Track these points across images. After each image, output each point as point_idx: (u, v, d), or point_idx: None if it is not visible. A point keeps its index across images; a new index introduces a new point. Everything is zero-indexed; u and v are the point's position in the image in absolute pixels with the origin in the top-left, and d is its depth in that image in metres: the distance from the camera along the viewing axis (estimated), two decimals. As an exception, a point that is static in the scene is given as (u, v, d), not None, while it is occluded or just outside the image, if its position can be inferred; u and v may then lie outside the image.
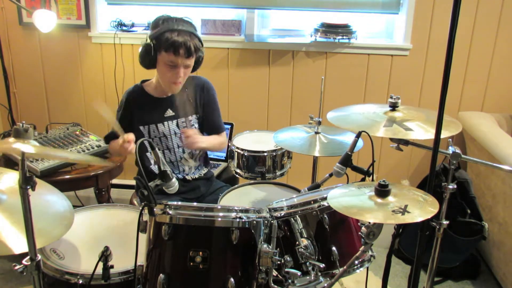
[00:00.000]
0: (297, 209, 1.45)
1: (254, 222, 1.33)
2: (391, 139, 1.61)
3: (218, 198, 1.88)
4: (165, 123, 2.03)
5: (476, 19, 2.71)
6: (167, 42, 1.81)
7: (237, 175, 2.11)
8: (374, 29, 2.98)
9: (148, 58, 1.87)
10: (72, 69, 3.06)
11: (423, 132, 1.55)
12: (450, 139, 1.55)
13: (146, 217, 1.33)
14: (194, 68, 1.97)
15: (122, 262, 1.40)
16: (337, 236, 1.48)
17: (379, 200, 1.29)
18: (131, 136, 1.80)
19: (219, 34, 2.92)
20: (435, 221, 1.57)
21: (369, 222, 1.26)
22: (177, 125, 2.05)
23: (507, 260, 2.31)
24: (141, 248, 1.34)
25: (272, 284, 1.33)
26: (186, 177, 2.09)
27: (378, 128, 1.57)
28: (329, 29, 2.77)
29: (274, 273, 1.34)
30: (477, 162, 1.69)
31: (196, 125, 2.09)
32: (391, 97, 1.67)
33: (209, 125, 2.13)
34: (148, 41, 1.86)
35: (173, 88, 1.96)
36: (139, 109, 2.01)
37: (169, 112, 2.03)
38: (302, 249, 1.41)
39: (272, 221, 1.38)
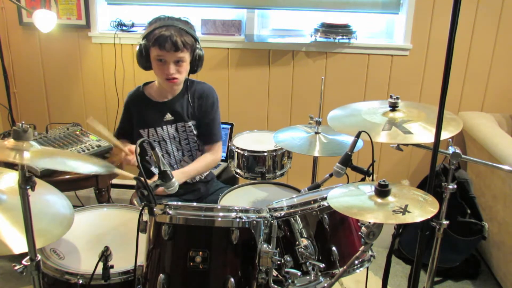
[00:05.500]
0: (297, 209, 1.45)
1: (254, 222, 1.33)
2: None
3: (218, 198, 1.88)
4: (164, 127, 2.02)
5: (476, 19, 2.71)
6: (154, 37, 1.85)
7: (237, 175, 2.11)
8: (374, 29, 2.98)
9: (142, 57, 1.91)
10: (72, 69, 3.06)
11: (423, 133, 1.52)
12: (450, 139, 1.55)
13: (146, 217, 1.33)
14: (194, 68, 1.95)
15: (122, 262, 1.40)
16: (337, 236, 1.48)
17: (379, 200, 1.29)
18: (132, 148, 1.81)
19: (219, 34, 2.92)
20: (435, 221, 1.57)
21: (369, 222, 1.26)
22: (176, 129, 2.04)
23: (507, 260, 2.31)
24: (141, 248, 1.34)
25: (272, 284, 1.33)
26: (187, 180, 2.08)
27: (378, 132, 1.55)
28: (329, 29, 2.77)
29: (274, 273, 1.34)
30: (477, 162, 1.69)
31: (195, 131, 2.05)
32: (391, 97, 1.66)
33: (204, 133, 2.07)
34: (141, 41, 1.90)
35: (170, 86, 1.95)
36: (139, 112, 2.02)
37: (168, 117, 2.02)
38: (302, 249, 1.41)
39: (272, 221, 1.38)
